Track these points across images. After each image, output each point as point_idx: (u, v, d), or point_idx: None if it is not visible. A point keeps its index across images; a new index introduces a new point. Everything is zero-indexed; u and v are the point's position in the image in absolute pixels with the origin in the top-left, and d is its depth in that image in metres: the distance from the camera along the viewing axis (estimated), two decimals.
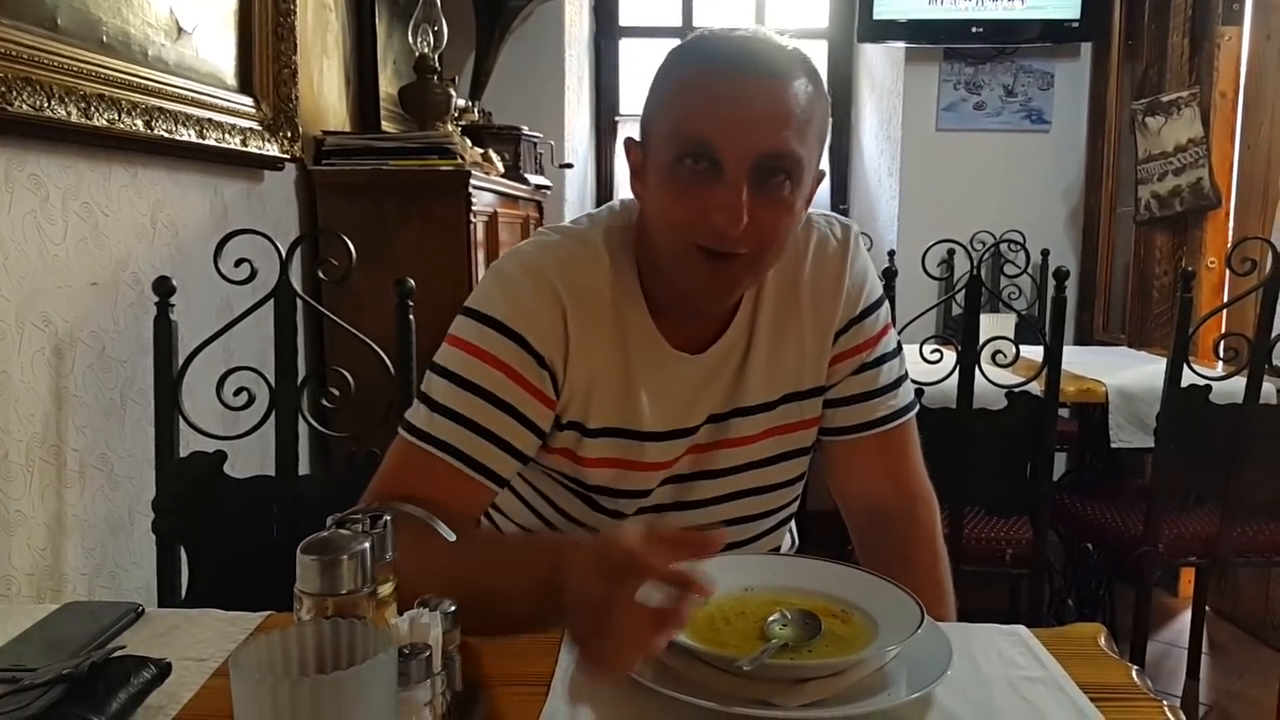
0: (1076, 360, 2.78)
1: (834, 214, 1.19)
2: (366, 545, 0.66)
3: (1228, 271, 3.17)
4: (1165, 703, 0.80)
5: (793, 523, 1.32)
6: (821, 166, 1.04)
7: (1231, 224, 3.25)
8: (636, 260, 1.08)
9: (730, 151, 0.93)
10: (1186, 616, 2.89)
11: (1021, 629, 0.93)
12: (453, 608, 0.73)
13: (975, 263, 2.12)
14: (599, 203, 4.12)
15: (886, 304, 1.20)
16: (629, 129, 2.82)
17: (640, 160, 1.04)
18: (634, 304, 1.08)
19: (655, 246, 1.03)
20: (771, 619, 0.86)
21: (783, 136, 0.94)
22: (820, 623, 0.86)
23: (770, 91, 0.94)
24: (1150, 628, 2.47)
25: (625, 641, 0.69)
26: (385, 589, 0.70)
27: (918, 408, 1.21)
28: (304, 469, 1.53)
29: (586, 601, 0.71)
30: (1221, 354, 2.20)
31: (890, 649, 0.80)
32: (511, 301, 1.04)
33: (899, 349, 1.21)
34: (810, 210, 1.13)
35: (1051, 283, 2.12)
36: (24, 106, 1.36)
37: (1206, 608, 2.70)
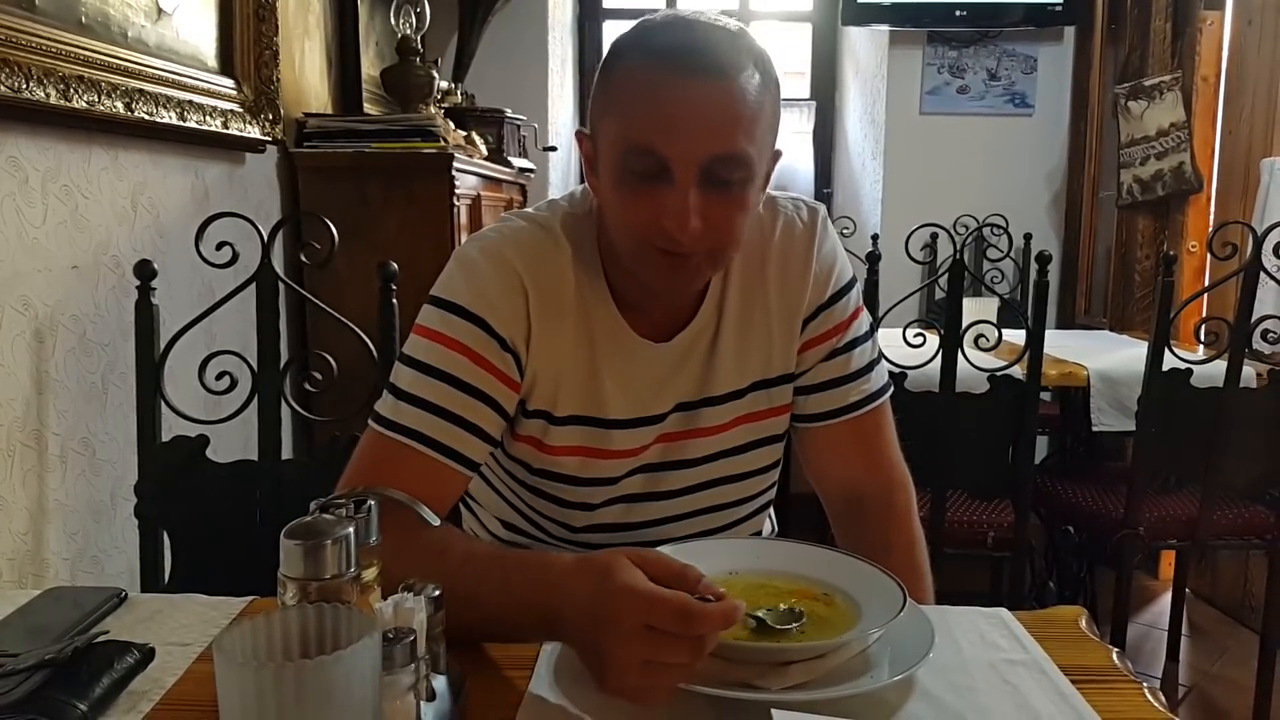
0: (1058, 344, 2.80)
1: (802, 197, 1.17)
2: (350, 530, 0.66)
3: (1209, 255, 3.19)
4: (1145, 684, 0.81)
5: (771, 509, 1.33)
6: (777, 147, 1.02)
7: (1213, 208, 3.27)
8: (599, 249, 1.08)
9: (678, 157, 0.92)
10: (1166, 599, 2.93)
11: (1003, 611, 0.94)
12: (437, 592, 0.73)
13: (958, 247, 2.13)
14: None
15: (858, 287, 1.19)
16: None
17: (592, 153, 1.02)
18: (598, 293, 1.07)
19: (615, 240, 1.02)
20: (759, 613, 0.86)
21: (730, 139, 0.92)
22: (802, 613, 0.86)
23: (716, 93, 0.91)
24: (1130, 610, 2.50)
25: (668, 681, 0.72)
26: (369, 574, 0.69)
27: (891, 390, 1.21)
28: (286, 453, 1.53)
29: (631, 654, 0.71)
30: (1202, 338, 2.22)
31: (873, 632, 0.81)
32: (473, 286, 1.03)
33: (871, 332, 1.20)
34: (778, 193, 1.13)
35: (1034, 267, 2.13)
36: (2, 88, 1.35)
37: (1186, 590, 2.73)
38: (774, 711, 0.69)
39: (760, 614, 0.83)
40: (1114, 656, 0.86)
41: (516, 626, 0.84)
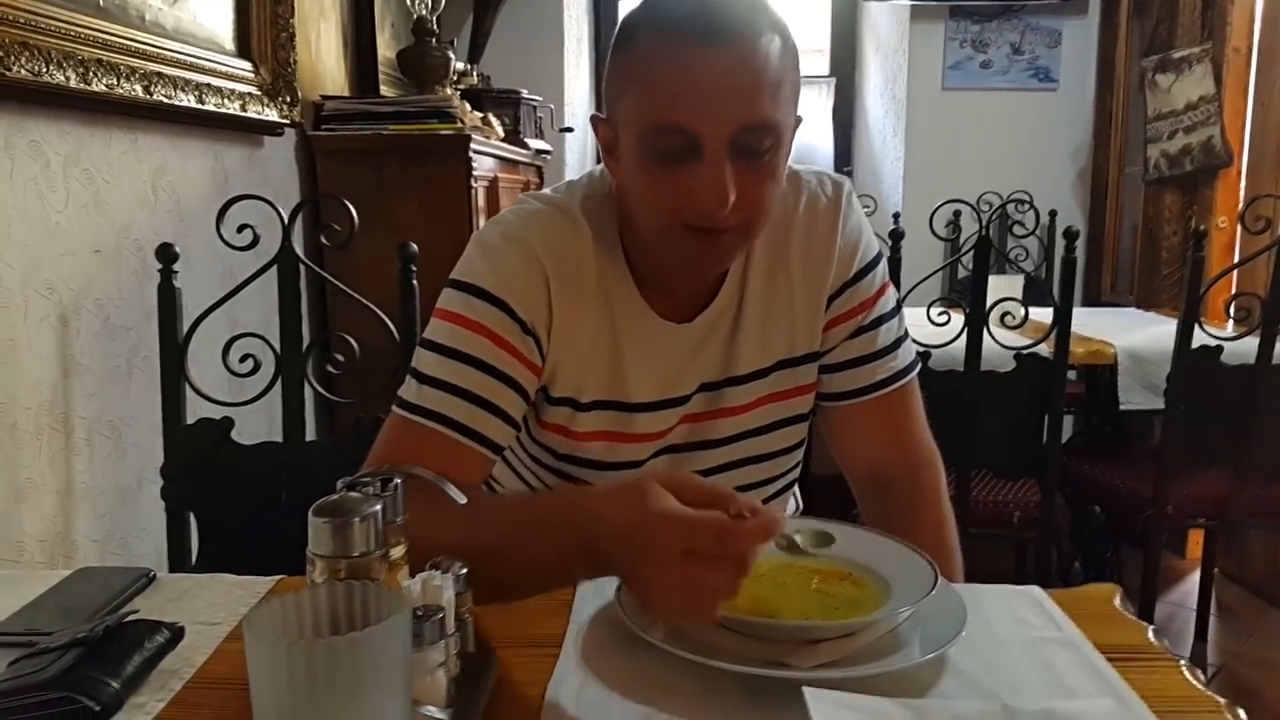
0: (1084, 321, 2.76)
1: (826, 171, 1.14)
2: (379, 507, 0.66)
3: (1239, 231, 3.14)
4: (1182, 662, 0.79)
5: (796, 488, 1.32)
6: (799, 113, 0.99)
7: (1244, 182, 3.22)
8: (619, 231, 1.06)
9: (707, 130, 0.89)
10: (1193, 578, 2.90)
11: (1035, 589, 0.93)
12: (464, 570, 0.73)
13: (984, 223, 2.10)
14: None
15: (884, 262, 1.16)
16: None
17: (611, 137, 1.00)
18: (619, 275, 1.06)
19: (638, 224, 1.01)
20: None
21: (758, 106, 0.90)
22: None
23: (739, 60, 0.89)
24: (1158, 589, 2.47)
25: (713, 601, 0.71)
26: (397, 551, 0.69)
27: (919, 367, 1.19)
28: (309, 435, 1.53)
29: (673, 580, 0.71)
30: (1233, 314, 2.18)
31: (904, 610, 0.80)
32: (494, 270, 1.02)
33: (898, 308, 1.17)
34: (801, 167, 1.10)
35: (1061, 243, 2.10)
36: (22, 71, 1.35)
37: (1215, 569, 2.70)
38: (805, 689, 0.68)
39: (794, 535, 0.81)
40: (1149, 634, 0.84)
41: (556, 566, 0.83)
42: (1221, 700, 0.74)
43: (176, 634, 0.84)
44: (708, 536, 0.70)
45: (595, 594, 0.90)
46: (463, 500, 0.74)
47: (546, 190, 1.12)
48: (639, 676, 0.76)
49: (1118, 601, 0.92)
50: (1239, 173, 3.23)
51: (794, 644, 0.77)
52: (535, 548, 0.83)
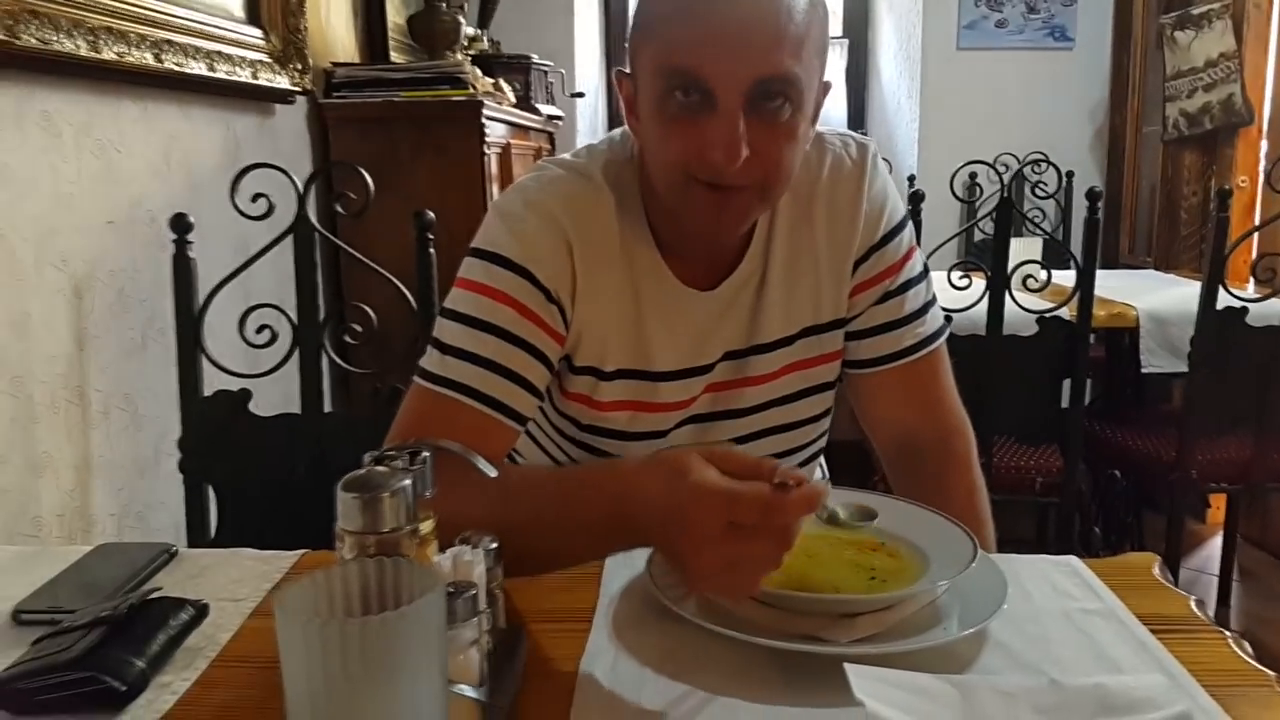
0: (1104, 284, 2.70)
1: (850, 133, 1.12)
2: (408, 482, 0.64)
3: (1260, 191, 3.09)
4: (1229, 634, 0.78)
5: (822, 457, 1.30)
6: (826, 78, 0.97)
7: (1265, 141, 3.17)
8: (641, 195, 1.04)
9: (722, 80, 0.87)
10: (1215, 543, 2.89)
11: (1073, 559, 0.91)
12: (495, 544, 0.71)
13: (1005, 185, 2.07)
14: (611, 131, 4.04)
15: (910, 226, 1.13)
16: None
17: (632, 94, 0.98)
18: (642, 241, 1.04)
19: (655, 182, 0.99)
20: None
21: (777, 58, 0.87)
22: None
23: (760, 9, 0.87)
24: (1180, 555, 2.46)
25: (756, 576, 0.70)
26: (426, 526, 0.67)
27: (947, 333, 1.16)
28: (327, 406, 1.51)
29: (715, 555, 0.69)
30: (1258, 275, 2.15)
31: (942, 583, 0.78)
32: (516, 238, 1.00)
33: (925, 272, 1.14)
34: (825, 129, 1.08)
35: (1081, 204, 2.07)
36: (31, 40, 1.33)
37: (1237, 534, 2.68)
38: (846, 666, 0.66)
39: (836, 509, 0.80)
40: (1192, 605, 0.83)
41: (593, 539, 0.82)
42: (1271, 674, 0.72)
43: (201, 611, 0.84)
44: (752, 509, 0.68)
45: (625, 566, 0.89)
46: (493, 474, 0.73)
47: (566, 155, 1.09)
48: (673, 651, 0.75)
49: (1157, 571, 0.90)
50: (1260, 131, 3.18)
51: (830, 618, 0.76)
52: (571, 522, 0.82)
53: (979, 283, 2.10)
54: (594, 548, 0.85)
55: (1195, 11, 3.26)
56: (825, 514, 0.78)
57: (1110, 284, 2.81)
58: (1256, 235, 2.62)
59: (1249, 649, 0.75)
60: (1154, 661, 0.73)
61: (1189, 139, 3.34)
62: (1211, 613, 0.79)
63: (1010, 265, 2.07)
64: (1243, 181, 3.18)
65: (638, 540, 0.79)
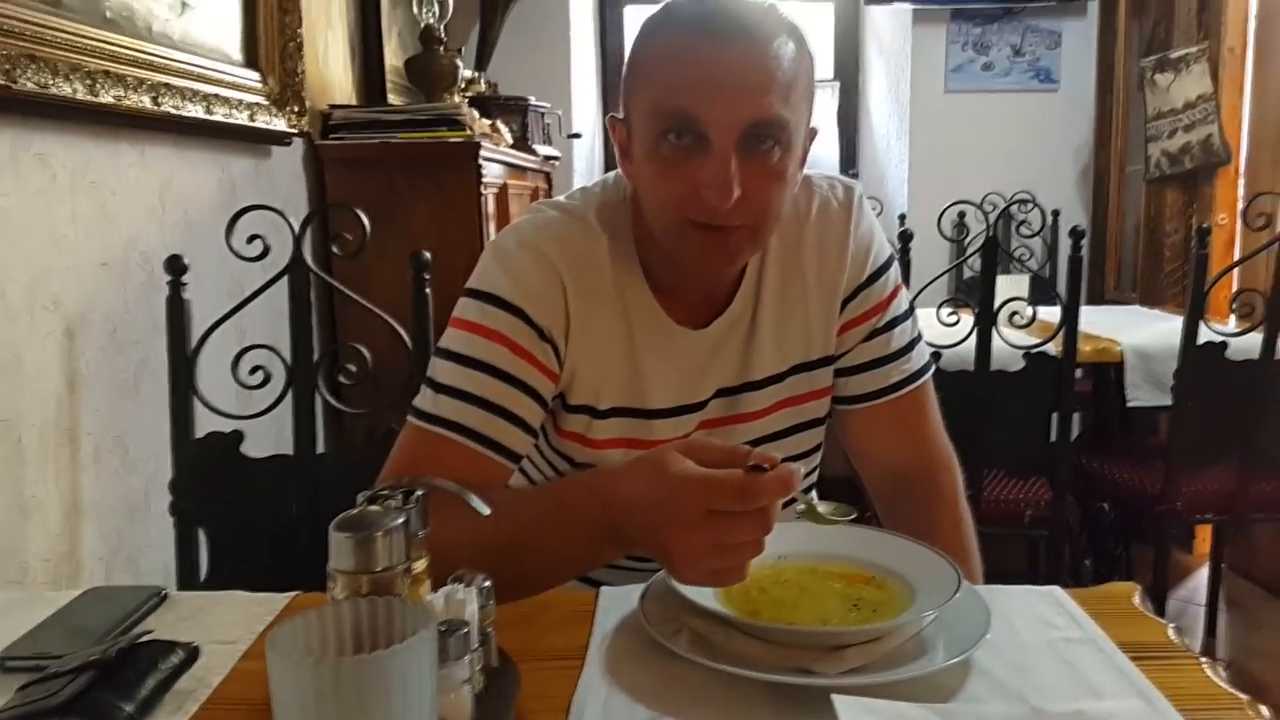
0: (1090, 319, 2.74)
1: (837, 175, 1.15)
2: (402, 520, 0.65)
3: (1239, 228, 3.14)
4: (1203, 660, 0.79)
5: (814, 492, 1.31)
6: (813, 124, 1.01)
7: (1242, 180, 3.22)
8: (635, 237, 1.06)
9: (715, 123, 0.90)
10: (1202, 574, 2.90)
11: (1056, 589, 0.92)
12: (488, 583, 0.72)
13: (991, 224, 2.10)
14: (607, 172, 4.08)
15: (896, 265, 1.17)
16: None
17: (625, 138, 1.01)
18: (635, 281, 1.06)
19: (650, 223, 1.01)
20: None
21: (768, 102, 0.91)
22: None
23: (751, 56, 0.91)
24: (1168, 585, 2.47)
25: (741, 560, 0.74)
26: (419, 565, 0.68)
27: (934, 369, 1.19)
28: (320, 447, 1.52)
29: (699, 542, 0.73)
30: (1236, 310, 2.18)
31: (928, 614, 0.79)
32: (510, 277, 1.02)
33: (911, 310, 1.18)
34: (812, 172, 1.11)
35: (1067, 242, 2.10)
36: (29, 84, 1.35)
37: (1223, 565, 2.69)
38: (834, 697, 0.67)
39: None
40: (1170, 632, 0.84)
41: (583, 549, 0.85)
42: (1244, 697, 0.74)
43: (191, 654, 0.82)
44: (730, 494, 0.71)
45: (618, 603, 0.90)
46: (486, 512, 0.74)
47: (561, 198, 1.12)
48: (665, 687, 0.76)
49: (1137, 600, 0.91)
50: (1237, 170, 3.23)
51: (820, 650, 0.77)
52: (560, 534, 0.85)
53: (967, 319, 2.12)
54: (585, 557, 0.87)
55: (1174, 55, 3.32)
56: (804, 508, 0.79)
57: (1096, 319, 2.84)
58: (1236, 271, 2.66)
59: (1223, 674, 0.77)
60: (1132, 687, 0.74)
61: (1170, 178, 3.39)
62: (1198, 642, 0.80)
63: (997, 302, 2.10)
64: (1222, 219, 3.23)
65: (626, 542, 0.82)
